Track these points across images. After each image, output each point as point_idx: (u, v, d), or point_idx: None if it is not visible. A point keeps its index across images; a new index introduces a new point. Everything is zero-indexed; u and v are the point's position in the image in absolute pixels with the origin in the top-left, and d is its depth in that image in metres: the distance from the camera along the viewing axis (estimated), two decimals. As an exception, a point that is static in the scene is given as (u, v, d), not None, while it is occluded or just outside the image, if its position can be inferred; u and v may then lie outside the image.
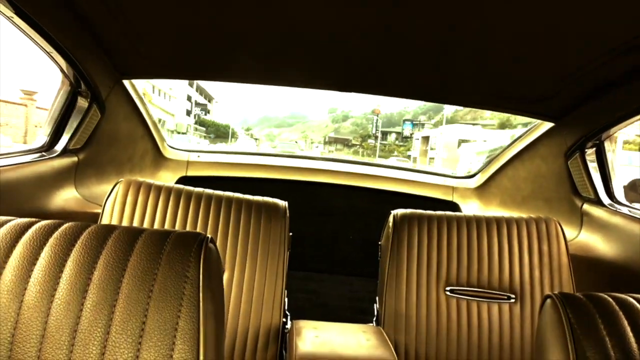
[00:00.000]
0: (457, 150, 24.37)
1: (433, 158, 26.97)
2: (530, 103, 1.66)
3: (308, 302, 2.41)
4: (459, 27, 1.13)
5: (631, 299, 0.74)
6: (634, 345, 0.67)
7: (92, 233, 0.66)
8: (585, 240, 1.79)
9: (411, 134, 31.02)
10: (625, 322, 0.70)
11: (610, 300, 0.73)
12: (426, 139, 28.83)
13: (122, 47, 1.48)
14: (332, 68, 1.59)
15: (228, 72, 1.77)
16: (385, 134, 33.87)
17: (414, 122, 33.57)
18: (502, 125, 27.20)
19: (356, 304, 2.41)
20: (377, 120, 31.71)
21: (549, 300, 0.76)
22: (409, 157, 29.33)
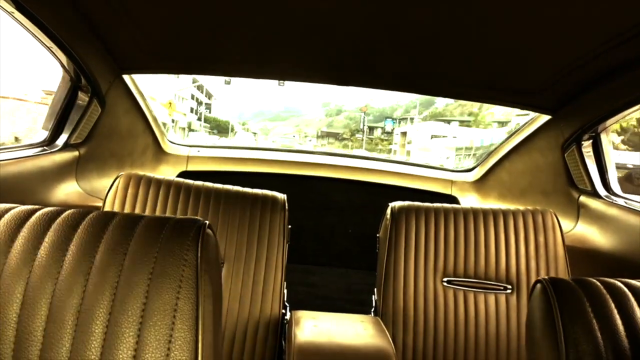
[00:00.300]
0: (428, 144, 25.08)
1: (410, 151, 27.53)
2: (526, 96, 1.56)
3: (307, 294, 2.30)
4: (454, 20, 1.03)
5: (619, 283, 0.71)
6: (621, 327, 0.65)
7: (94, 219, 0.64)
8: (582, 231, 1.69)
9: (392, 129, 31.66)
10: (613, 305, 0.67)
11: (599, 284, 0.71)
12: (404, 134, 29.39)
13: (122, 42, 1.39)
14: (326, 62, 1.49)
15: (228, 67, 1.67)
16: (371, 129, 34.18)
17: (394, 119, 34.26)
18: (477, 123, 27.39)
19: (354, 296, 2.30)
20: (364, 117, 32.27)
21: (538, 285, 0.74)
22: (389, 150, 29.84)
